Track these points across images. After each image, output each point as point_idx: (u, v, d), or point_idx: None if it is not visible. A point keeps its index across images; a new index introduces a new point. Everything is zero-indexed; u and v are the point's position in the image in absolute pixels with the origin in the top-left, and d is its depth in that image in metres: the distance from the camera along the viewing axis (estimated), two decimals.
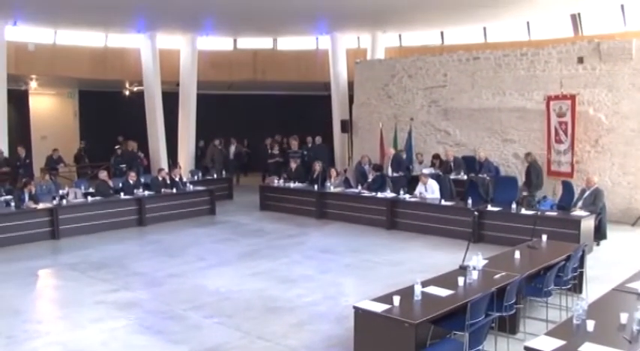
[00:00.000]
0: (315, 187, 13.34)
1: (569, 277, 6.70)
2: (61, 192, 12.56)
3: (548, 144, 12.97)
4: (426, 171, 13.50)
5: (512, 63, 13.85)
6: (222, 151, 18.45)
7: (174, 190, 13.20)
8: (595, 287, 6.95)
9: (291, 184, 14.01)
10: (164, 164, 17.46)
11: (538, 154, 13.37)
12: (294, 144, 17.18)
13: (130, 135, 17.84)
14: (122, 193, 12.49)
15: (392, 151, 13.55)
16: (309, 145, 17.58)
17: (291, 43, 20.44)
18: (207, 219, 13.14)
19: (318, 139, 17.51)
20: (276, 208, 13.86)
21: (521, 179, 12.67)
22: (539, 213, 9.22)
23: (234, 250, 10.17)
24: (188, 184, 13.87)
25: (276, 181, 14.65)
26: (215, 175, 16.35)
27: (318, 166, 14.03)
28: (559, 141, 12.67)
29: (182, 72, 18.61)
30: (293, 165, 15.08)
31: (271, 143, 17.97)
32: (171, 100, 18.53)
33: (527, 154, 12.73)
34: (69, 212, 11.41)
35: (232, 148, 19.39)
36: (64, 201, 11.69)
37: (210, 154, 18.10)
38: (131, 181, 12.83)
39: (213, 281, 8.24)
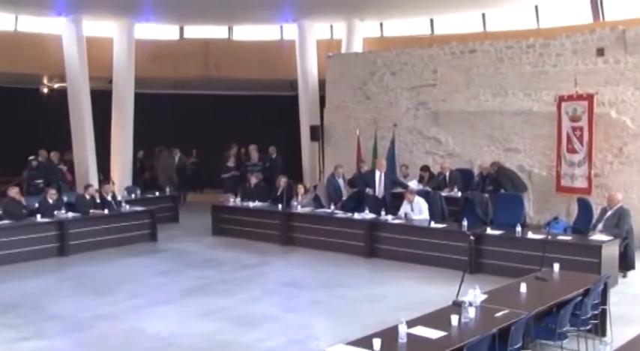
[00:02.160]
0: (280, 206, 13.26)
1: (588, 315, 6.68)
2: None
3: (558, 154, 13.07)
4: (412, 186, 13.49)
5: (516, 56, 13.97)
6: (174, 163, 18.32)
7: (106, 211, 13.03)
8: (621, 328, 6.96)
9: (250, 204, 13.93)
10: (93, 179, 17.18)
11: (548, 166, 13.51)
12: (255, 155, 17.08)
13: (50, 143, 17.48)
14: (39, 215, 12.25)
15: (383, 164, 13.41)
16: (273, 155, 17.50)
17: (250, 32, 20.40)
18: (147, 246, 13.00)
19: (272, 150, 17.55)
20: (232, 233, 13.76)
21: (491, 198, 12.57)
22: (549, 237, 9.22)
23: (179, 284, 10.04)
24: (123, 204, 13.74)
25: (231, 199, 14.54)
26: (157, 193, 16.16)
27: (282, 182, 13.99)
28: (572, 150, 12.77)
29: (116, 66, 18.36)
30: (253, 180, 14.99)
31: (226, 154, 17.83)
32: (102, 101, 18.26)
33: (493, 164, 13.01)
34: None
35: (175, 160, 19.26)
36: None
37: (170, 167, 18.00)
38: (50, 200, 12.62)
39: (152, 323, 8.09)
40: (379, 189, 12.92)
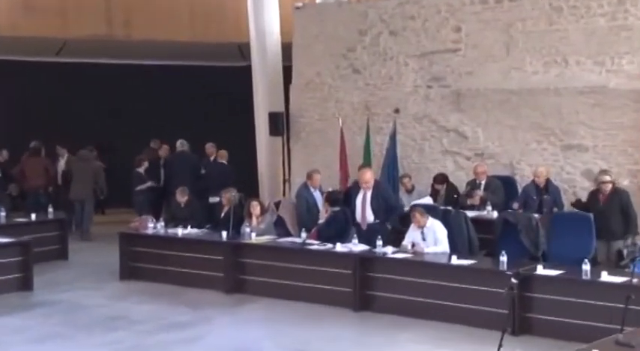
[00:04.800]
0: (224, 234, 13.17)
1: None
2: None
3: None
4: (420, 202, 13.46)
5: (582, 5, 14.04)
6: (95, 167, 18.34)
7: None
8: None
9: (180, 231, 13.87)
10: None
11: (632, 171, 13.59)
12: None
13: None
14: None
15: (368, 179, 13.07)
16: (212, 157, 17.40)
17: None
18: (17, 299, 12.84)
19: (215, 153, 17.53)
20: (152, 276, 13.71)
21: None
22: (635, 280, 9.16)
23: None
24: None
25: (150, 224, 14.40)
26: (34, 216, 16.00)
27: (228, 198, 13.97)
28: None
29: None
30: (181, 198, 14.89)
31: (138, 158, 17.69)
32: None
33: (603, 172, 12.75)
34: None
35: (61, 163, 19.15)
36: None
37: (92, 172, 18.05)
38: None
39: None
40: (361, 215, 12.77)
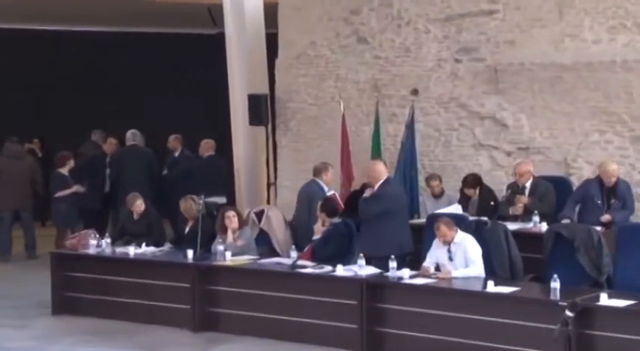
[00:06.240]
0: (190, 254, 13.15)
1: None
2: None
3: None
4: (445, 211, 13.48)
5: None
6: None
7: None
8: None
9: (131, 250, 13.82)
10: None
11: None
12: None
13: None
14: None
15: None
16: (177, 153, 17.49)
17: None
18: None
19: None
20: (95, 309, 13.68)
21: None
22: None
23: None
24: None
25: (93, 242, 14.34)
26: None
27: (194, 206, 14.01)
28: None
29: None
30: (133, 206, 14.85)
31: (61, 155, 17.68)
32: None
33: None
34: None
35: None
36: None
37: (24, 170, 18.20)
38: None
39: None
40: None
